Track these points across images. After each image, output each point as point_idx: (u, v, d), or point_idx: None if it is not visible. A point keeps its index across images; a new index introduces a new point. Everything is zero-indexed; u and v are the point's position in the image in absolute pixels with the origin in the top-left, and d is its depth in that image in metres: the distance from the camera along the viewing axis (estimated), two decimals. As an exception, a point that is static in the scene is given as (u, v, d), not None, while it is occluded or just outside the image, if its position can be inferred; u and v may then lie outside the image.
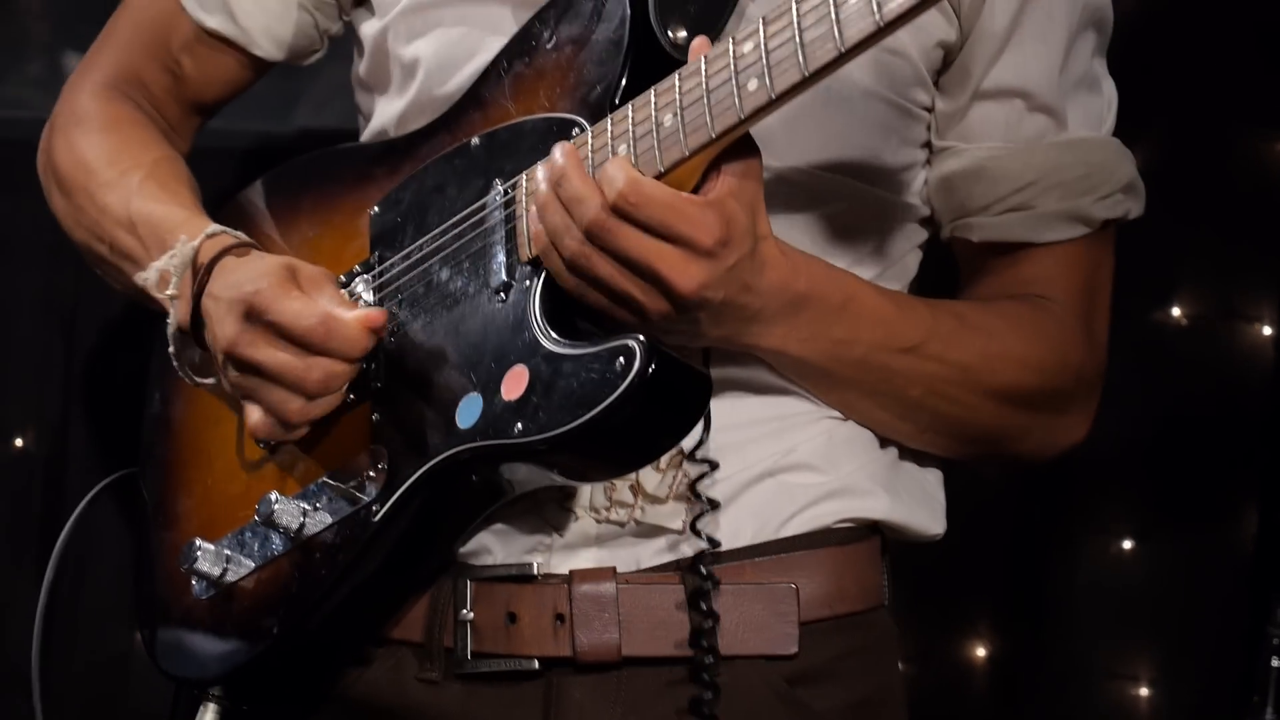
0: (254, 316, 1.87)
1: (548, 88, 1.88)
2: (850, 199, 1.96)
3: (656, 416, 1.75)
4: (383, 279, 1.96)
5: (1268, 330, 3.02)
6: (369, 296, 1.96)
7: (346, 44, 2.24)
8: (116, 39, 2.25)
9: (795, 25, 1.66)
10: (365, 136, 2.15)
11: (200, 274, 1.95)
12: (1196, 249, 3.00)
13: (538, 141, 1.85)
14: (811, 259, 1.85)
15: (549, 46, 1.90)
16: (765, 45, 1.68)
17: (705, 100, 1.71)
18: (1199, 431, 2.99)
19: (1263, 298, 3.03)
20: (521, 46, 1.93)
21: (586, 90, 1.84)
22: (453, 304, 1.88)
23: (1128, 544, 3.02)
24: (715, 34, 1.85)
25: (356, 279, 1.97)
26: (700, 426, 1.86)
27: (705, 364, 1.88)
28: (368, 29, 2.11)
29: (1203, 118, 2.99)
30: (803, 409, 1.96)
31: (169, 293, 1.98)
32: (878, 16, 1.61)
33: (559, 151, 1.76)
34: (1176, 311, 3.03)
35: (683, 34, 1.83)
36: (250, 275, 1.90)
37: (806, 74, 1.65)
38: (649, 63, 1.82)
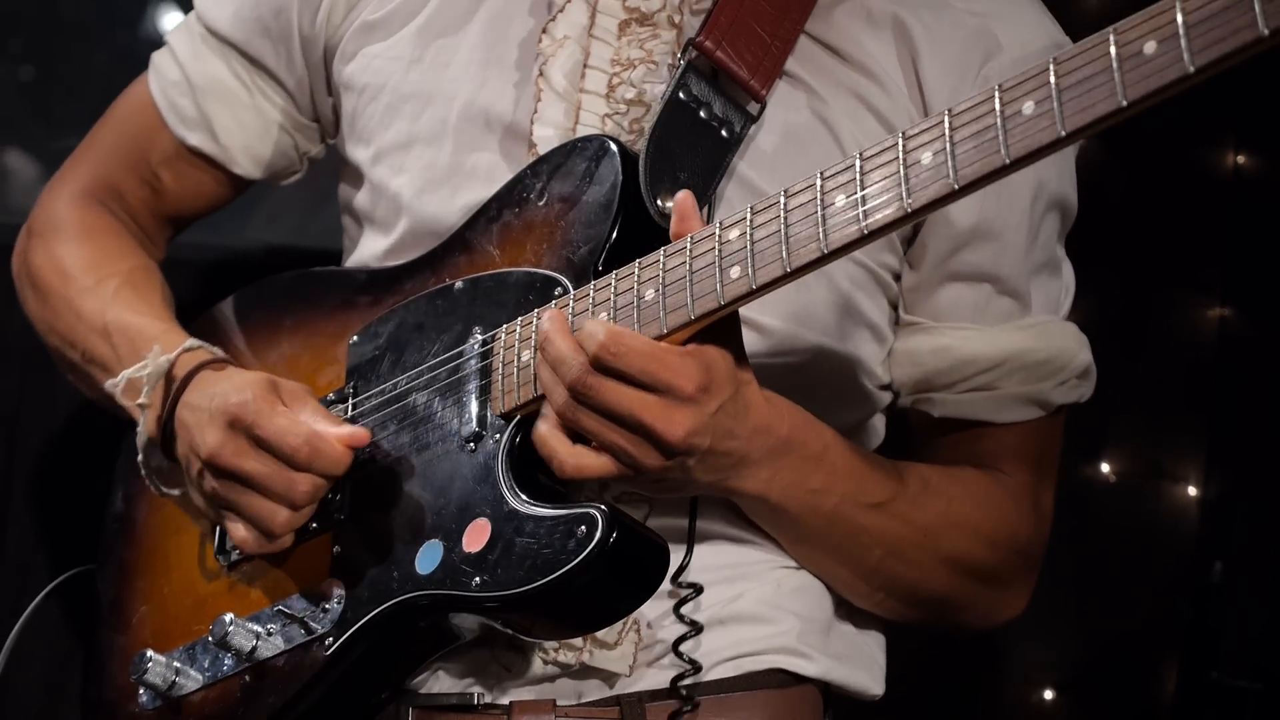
0: (238, 427, 1.88)
1: (535, 241, 1.91)
2: (820, 356, 2.00)
3: (614, 585, 1.77)
4: (357, 411, 1.97)
5: (1193, 491, 3.08)
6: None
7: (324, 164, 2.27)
8: (97, 149, 2.27)
9: (782, 220, 1.69)
10: (350, 262, 2.16)
11: (175, 387, 1.96)
12: (1127, 407, 3.05)
13: (520, 295, 1.88)
14: (792, 405, 1.87)
15: (539, 201, 1.93)
16: (751, 235, 1.71)
17: (688, 281, 1.74)
18: (1123, 586, 3.02)
19: (1190, 459, 3.09)
20: (512, 196, 1.96)
21: (572, 250, 1.88)
22: (422, 447, 1.90)
23: (1049, 694, 3.05)
24: (703, 204, 1.89)
25: (331, 408, 1.98)
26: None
27: (693, 515, 1.92)
28: (356, 155, 2.12)
29: (1138, 281, 3.06)
30: (758, 558, 1.98)
31: (139, 401, 2.00)
32: (862, 225, 1.65)
33: (545, 317, 1.79)
34: (1105, 468, 3.08)
35: (671, 204, 1.84)
36: (233, 387, 1.92)
37: (789, 269, 1.69)
38: (636, 228, 1.86)
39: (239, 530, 1.92)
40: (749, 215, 1.72)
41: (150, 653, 1.98)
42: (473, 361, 1.88)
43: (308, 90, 2.19)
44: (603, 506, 1.75)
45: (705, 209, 1.91)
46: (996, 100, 1.57)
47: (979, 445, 2.04)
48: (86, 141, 2.30)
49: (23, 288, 2.24)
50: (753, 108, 1.96)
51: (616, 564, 1.74)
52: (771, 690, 1.97)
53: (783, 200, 1.70)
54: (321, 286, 2.12)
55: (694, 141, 1.93)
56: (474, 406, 1.86)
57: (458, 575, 1.80)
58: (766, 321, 1.95)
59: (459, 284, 1.94)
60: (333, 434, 1.87)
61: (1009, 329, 2.02)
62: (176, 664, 1.98)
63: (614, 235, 1.86)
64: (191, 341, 2.02)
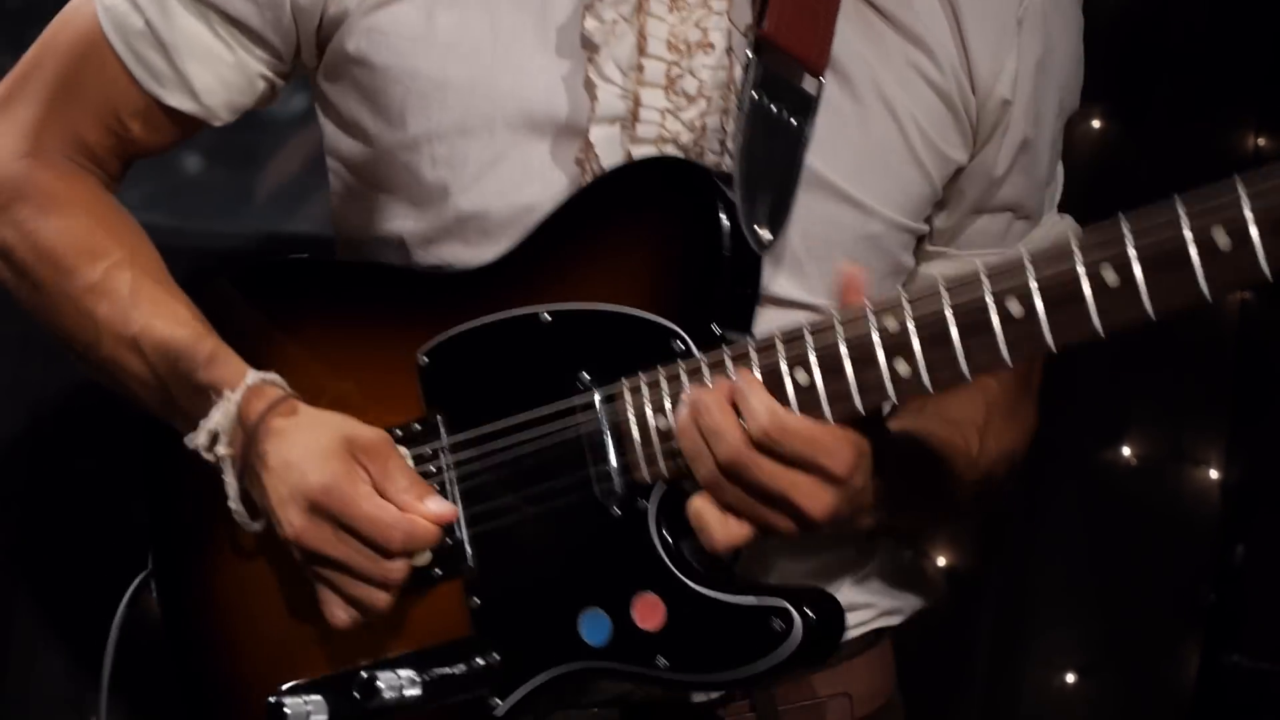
0: (323, 513, 1.83)
1: (626, 275, 1.83)
2: None
3: (808, 668, 1.80)
4: (456, 456, 1.89)
5: (1214, 474, 3.07)
6: (439, 466, 1.89)
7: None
8: (46, 94, 2.05)
9: (952, 324, 1.65)
10: (375, 234, 2.03)
11: (247, 436, 1.88)
12: (1149, 391, 3.05)
13: (630, 342, 1.81)
14: (886, 451, 1.83)
15: (623, 225, 1.85)
16: (914, 330, 1.67)
17: (849, 370, 1.70)
18: (1145, 570, 3.02)
19: (1211, 442, 3.08)
20: (586, 213, 1.87)
21: (676, 293, 1.81)
22: (546, 500, 1.83)
23: (1070, 678, 3.04)
24: (784, 216, 1.84)
25: (420, 444, 1.90)
26: None
27: None
28: (374, 129, 1.98)
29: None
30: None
31: (220, 452, 1.90)
32: (1049, 341, 1.62)
33: (699, 391, 1.73)
34: (1127, 451, 3.08)
35: (767, 234, 1.81)
36: (311, 458, 1.84)
37: (969, 378, 1.66)
38: (740, 265, 1.81)
39: (334, 610, 1.87)
40: (906, 304, 1.67)
41: (294, 698, 1.87)
42: (599, 419, 1.81)
43: (294, 45, 2.02)
44: (789, 609, 1.74)
45: (785, 221, 1.85)
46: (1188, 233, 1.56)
47: None
48: (23, 82, 2.07)
49: None
50: (810, 85, 1.88)
51: (814, 654, 1.76)
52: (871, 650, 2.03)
53: (946, 297, 1.65)
54: (359, 280, 2.01)
55: (772, 146, 1.86)
56: (610, 468, 1.80)
57: (638, 652, 1.78)
58: (819, 303, 1.91)
59: (545, 314, 1.85)
60: (427, 514, 1.83)
61: (1023, 246, 1.96)
62: (308, 705, 1.87)
63: (725, 283, 1.80)
64: (253, 376, 1.90)
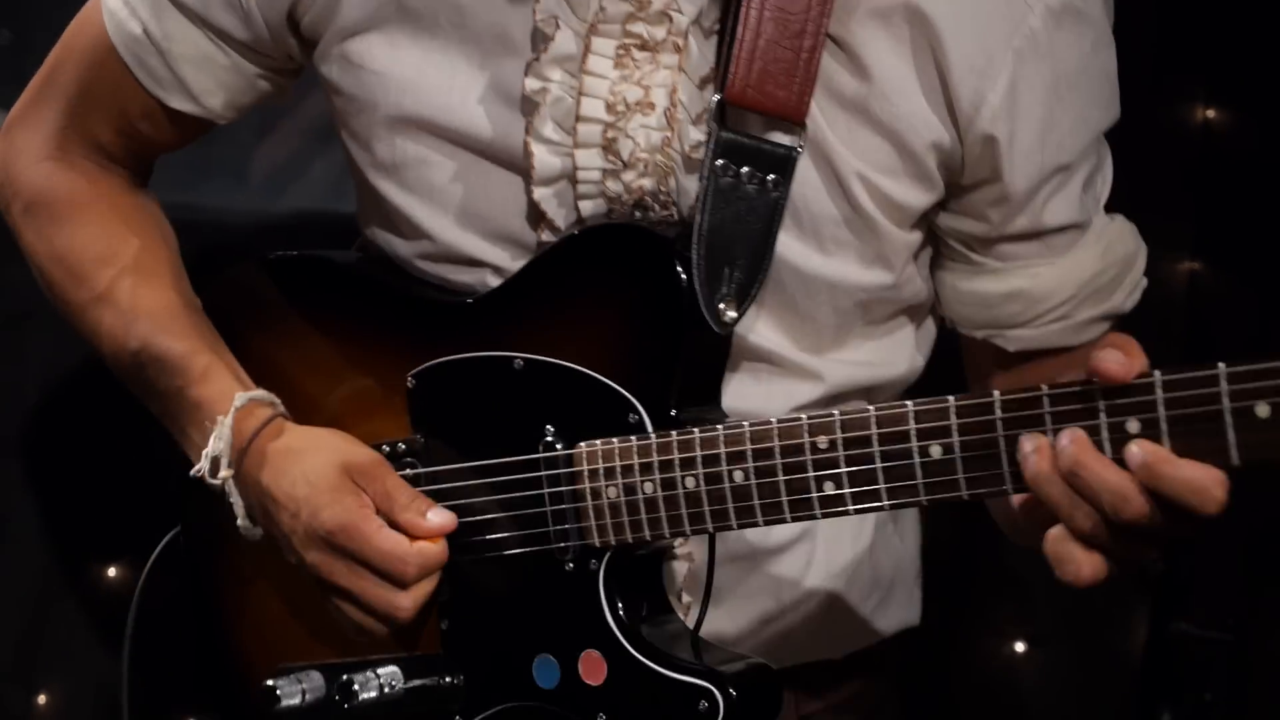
0: (339, 549, 1.87)
1: (597, 338, 1.85)
2: (886, 300, 1.99)
3: None
4: (438, 483, 1.94)
5: (1162, 444, 3.09)
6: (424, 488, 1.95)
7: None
8: (63, 96, 2.11)
9: (1002, 447, 1.69)
10: (378, 232, 2.06)
11: (242, 457, 1.93)
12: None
13: (590, 405, 1.84)
14: None
15: (595, 285, 1.87)
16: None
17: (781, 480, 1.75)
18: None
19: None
20: (566, 264, 1.89)
21: (639, 369, 1.83)
22: (512, 545, 1.89)
23: (1020, 647, 3.06)
24: (755, 288, 1.83)
25: (405, 465, 1.95)
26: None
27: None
28: (355, 150, 2.02)
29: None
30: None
31: (223, 475, 1.95)
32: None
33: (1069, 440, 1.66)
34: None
35: (732, 314, 1.81)
36: (322, 499, 1.87)
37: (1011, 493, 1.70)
38: (699, 345, 1.83)
39: (349, 626, 1.92)
40: (838, 422, 1.72)
41: (288, 680, 1.92)
42: (558, 479, 1.85)
43: (285, 54, 2.06)
44: (716, 690, 1.78)
45: (756, 294, 1.84)
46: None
47: (1053, 366, 2.02)
48: (45, 86, 2.14)
49: (24, 252, 2.13)
50: (788, 138, 1.84)
51: None
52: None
53: (1000, 418, 1.68)
54: (357, 288, 2.03)
55: (741, 218, 1.84)
56: (565, 529, 1.85)
57: (582, 702, 1.84)
58: (786, 355, 1.95)
59: (518, 362, 1.89)
60: (431, 528, 1.86)
61: (1076, 252, 1.97)
62: (304, 684, 1.92)
63: (680, 364, 1.82)
64: (240, 398, 1.95)
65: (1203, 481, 1.61)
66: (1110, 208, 1.99)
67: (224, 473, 1.94)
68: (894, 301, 1.97)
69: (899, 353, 2.04)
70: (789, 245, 1.87)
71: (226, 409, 1.94)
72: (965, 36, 1.83)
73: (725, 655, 1.85)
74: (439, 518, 1.88)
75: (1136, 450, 1.61)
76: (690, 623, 1.89)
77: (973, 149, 1.88)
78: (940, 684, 3.08)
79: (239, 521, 1.96)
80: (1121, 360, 1.62)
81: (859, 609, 2.07)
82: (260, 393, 1.96)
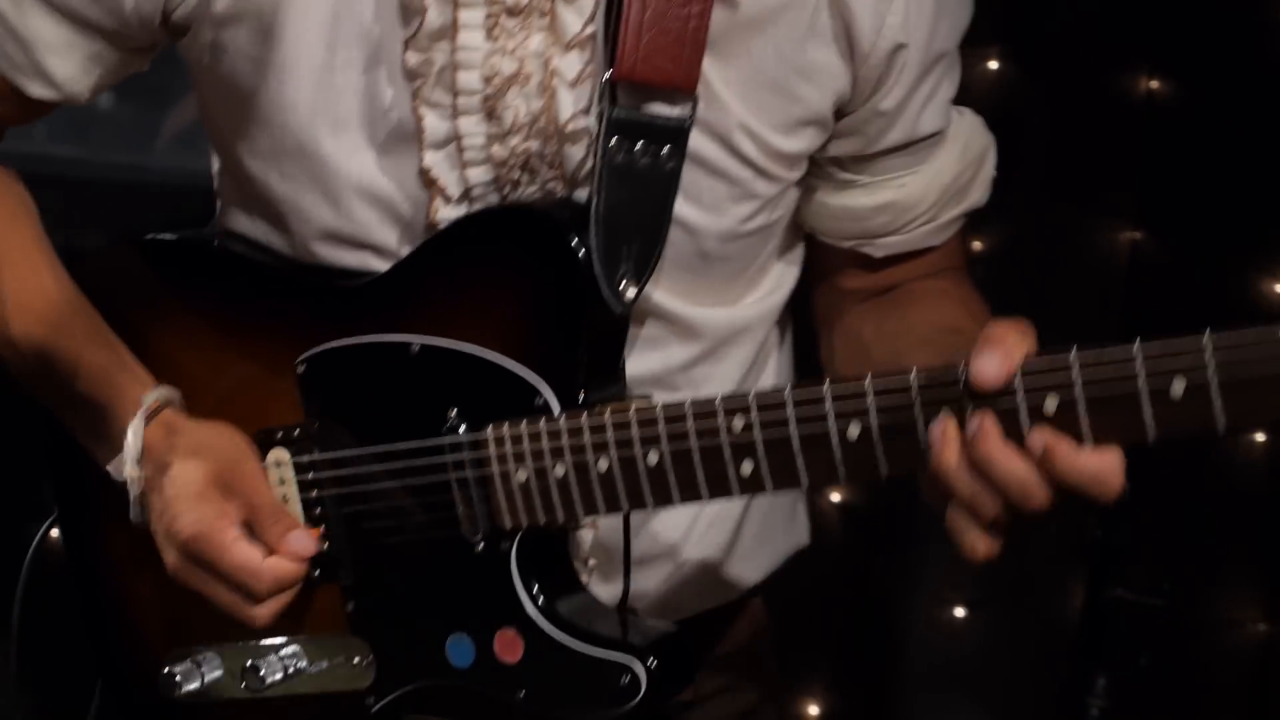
0: (193, 558, 1.85)
1: (498, 320, 1.84)
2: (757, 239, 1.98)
3: (653, 706, 1.82)
4: (334, 472, 1.91)
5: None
6: (317, 477, 1.91)
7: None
8: None
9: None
10: (243, 207, 2.01)
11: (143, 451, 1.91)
12: (1040, 330, 3.08)
13: (497, 388, 1.82)
14: None
15: (493, 266, 1.85)
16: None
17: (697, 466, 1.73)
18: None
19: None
20: (460, 244, 1.86)
21: (542, 350, 1.82)
22: (420, 530, 1.86)
23: (960, 612, 3.09)
24: (652, 266, 1.82)
25: (300, 451, 1.92)
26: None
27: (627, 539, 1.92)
28: (221, 127, 1.97)
29: (1051, 204, 3.08)
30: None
31: (132, 475, 1.92)
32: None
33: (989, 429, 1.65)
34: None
35: (631, 292, 1.81)
36: (185, 504, 1.86)
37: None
38: (604, 331, 1.82)
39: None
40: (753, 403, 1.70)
41: (185, 664, 1.92)
42: (465, 466, 1.83)
43: (152, 40, 1.98)
44: (636, 663, 1.78)
45: (652, 269, 1.83)
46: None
47: (916, 265, 2.04)
48: None
49: None
50: (681, 108, 1.83)
51: (662, 696, 1.79)
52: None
53: (918, 397, 1.66)
54: (249, 270, 1.99)
55: (636, 196, 1.83)
56: (474, 512, 1.83)
57: (499, 681, 1.82)
58: (676, 309, 1.95)
59: (415, 347, 1.86)
60: (289, 550, 1.84)
61: (938, 158, 1.99)
62: (203, 668, 1.93)
63: (583, 346, 1.81)
64: (147, 398, 1.91)
65: (1102, 472, 1.63)
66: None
67: (132, 471, 1.91)
68: (776, 232, 1.99)
69: (788, 273, 2.06)
70: (683, 210, 1.88)
71: (135, 404, 1.92)
72: None
73: (640, 626, 1.85)
74: (297, 544, 1.85)
75: (1038, 438, 1.63)
76: (594, 588, 1.89)
77: (873, 71, 1.90)
78: (881, 649, 3.11)
79: (131, 514, 1.93)
80: (996, 365, 1.64)
81: (749, 546, 2.08)
82: (165, 390, 1.93)
